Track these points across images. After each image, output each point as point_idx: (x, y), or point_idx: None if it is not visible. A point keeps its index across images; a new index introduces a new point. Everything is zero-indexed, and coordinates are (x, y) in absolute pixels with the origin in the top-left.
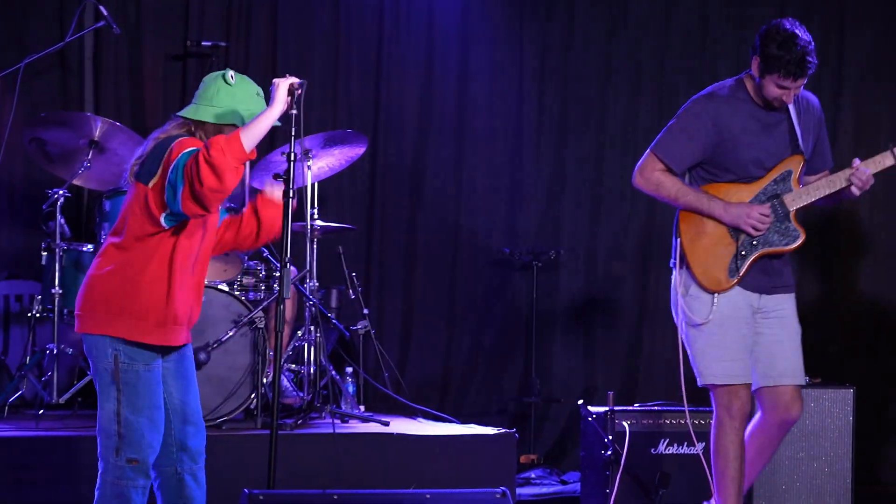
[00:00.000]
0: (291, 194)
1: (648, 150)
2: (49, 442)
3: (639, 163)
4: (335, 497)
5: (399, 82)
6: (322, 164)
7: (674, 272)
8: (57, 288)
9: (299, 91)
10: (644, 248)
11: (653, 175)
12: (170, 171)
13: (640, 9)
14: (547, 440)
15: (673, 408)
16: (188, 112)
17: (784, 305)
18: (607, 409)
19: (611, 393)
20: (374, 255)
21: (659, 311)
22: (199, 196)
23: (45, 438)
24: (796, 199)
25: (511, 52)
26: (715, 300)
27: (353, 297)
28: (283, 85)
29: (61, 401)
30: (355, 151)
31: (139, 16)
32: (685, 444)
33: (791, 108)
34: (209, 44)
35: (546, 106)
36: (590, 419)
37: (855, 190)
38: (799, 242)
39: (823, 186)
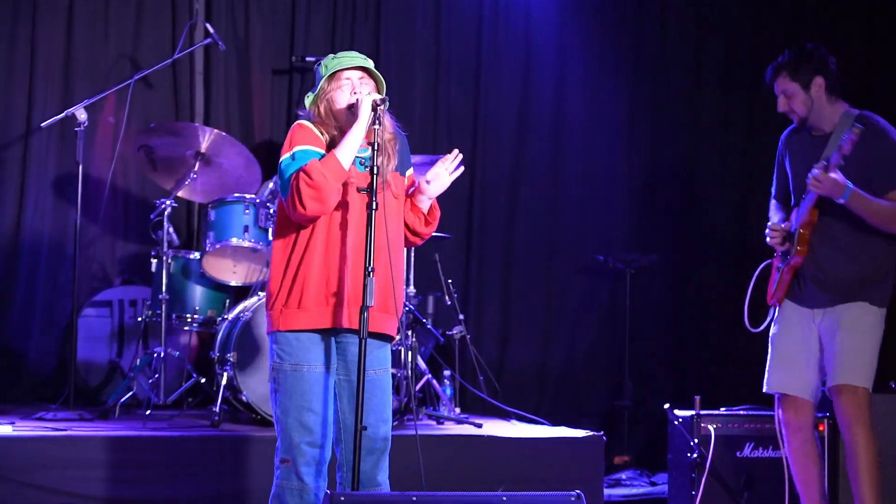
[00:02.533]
0: (375, 206)
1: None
2: (154, 442)
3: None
4: (414, 499)
5: (497, 92)
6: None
7: None
8: (164, 294)
9: (381, 107)
10: (735, 253)
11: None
12: (278, 173)
13: (731, 13)
14: (639, 442)
15: (758, 411)
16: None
17: (839, 314)
18: (693, 412)
19: (697, 397)
20: (473, 261)
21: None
22: (302, 217)
23: (150, 438)
24: (799, 214)
25: (605, 59)
26: (775, 313)
27: (448, 303)
28: (366, 101)
29: (168, 401)
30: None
31: (247, 32)
32: (770, 447)
33: (835, 136)
34: (313, 59)
35: (638, 114)
36: (676, 423)
37: None
38: (793, 257)
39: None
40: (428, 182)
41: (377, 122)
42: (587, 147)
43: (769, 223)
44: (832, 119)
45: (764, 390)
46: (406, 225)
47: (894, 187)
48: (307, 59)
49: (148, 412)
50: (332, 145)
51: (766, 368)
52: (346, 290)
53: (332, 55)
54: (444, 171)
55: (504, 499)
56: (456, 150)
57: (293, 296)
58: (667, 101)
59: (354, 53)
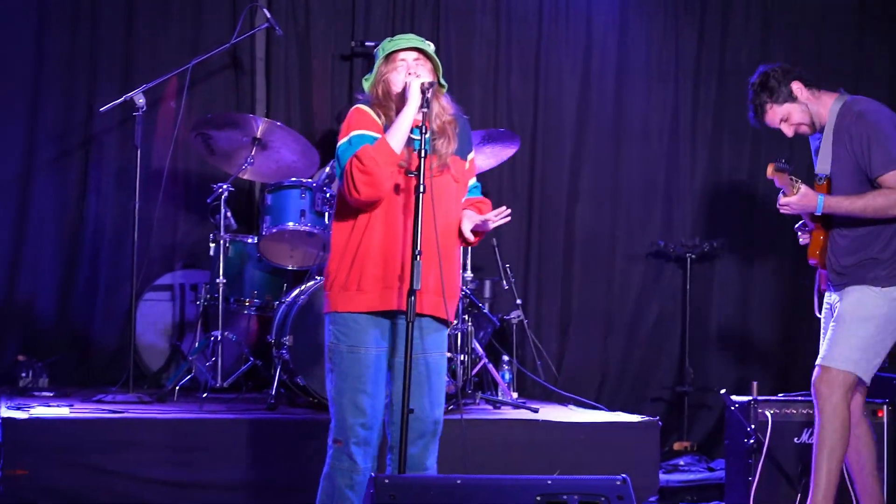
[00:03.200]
0: (423, 189)
1: None
2: (210, 424)
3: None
4: (458, 482)
5: (558, 80)
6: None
7: None
8: (221, 278)
9: (429, 91)
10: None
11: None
12: (335, 158)
13: (794, 2)
14: (701, 428)
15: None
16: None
17: (841, 297)
18: (750, 398)
19: (754, 383)
20: (534, 247)
21: (811, 302)
22: (358, 202)
23: (206, 421)
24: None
25: (667, 49)
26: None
27: (506, 287)
28: (415, 84)
29: (226, 385)
30: (508, 151)
31: (308, 17)
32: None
33: (828, 126)
34: (373, 44)
35: (701, 100)
36: (733, 408)
37: None
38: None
39: None
40: (471, 231)
41: (426, 105)
42: (648, 131)
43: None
44: (825, 111)
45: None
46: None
47: (879, 173)
48: (367, 44)
49: (205, 395)
50: (388, 126)
51: None
52: (400, 273)
53: (389, 38)
54: (489, 223)
55: (549, 482)
56: (504, 207)
57: (351, 278)
58: (730, 84)
59: (412, 36)
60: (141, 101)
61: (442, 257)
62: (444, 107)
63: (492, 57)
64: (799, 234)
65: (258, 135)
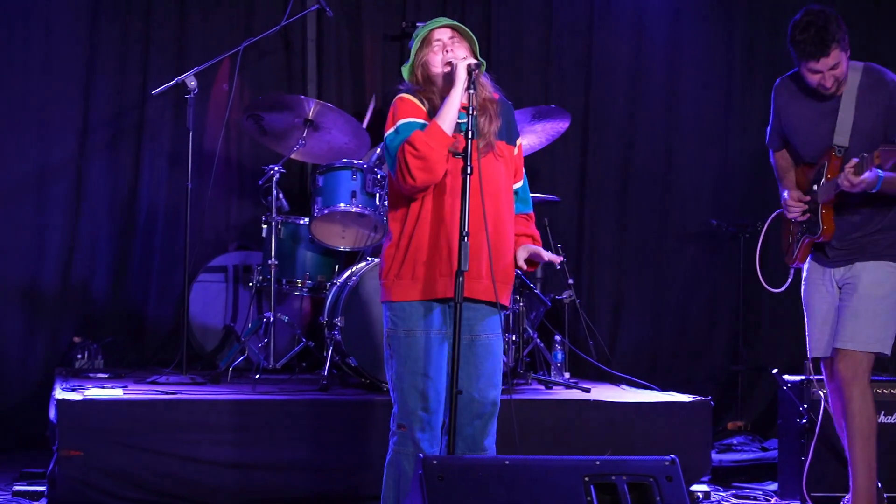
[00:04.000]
0: (469, 171)
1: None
2: (261, 405)
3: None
4: (506, 462)
5: (609, 53)
6: (525, 141)
7: None
8: (273, 259)
9: (476, 72)
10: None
11: (771, 156)
12: (384, 148)
13: None
14: (754, 408)
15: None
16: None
17: (857, 274)
18: (803, 377)
19: (807, 362)
20: (586, 227)
21: None
22: (413, 189)
23: (258, 402)
24: (822, 193)
25: (719, 24)
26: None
27: (558, 267)
28: (461, 66)
29: (278, 366)
30: (559, 127)
31: None
32: (882, 412)
33: (848, 94)
34: (424, 24)
35: (753, 76)
36: (785, 387)
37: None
38: (819, 237)
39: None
40: (525, 260)
41: (472, 86)
42: (699, 110)
43: (787, 196)
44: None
45: (809, 356)
46: None
47: None
48: (418, 24)
49: (257, 376)
50: (433, 112)
51: (807, 333)
52: (451, 260)
53: (422, 24)
54: (544, 256)
55: (597, 462)
56: (560, 258)
57: (405, 267)
58: (782, 58)
59: (443, 18)
60: (193, 83)
61: (492, 240)
62: (483, 84)
63: (543, 35)
64: (793, 209)
65: (310, 116)
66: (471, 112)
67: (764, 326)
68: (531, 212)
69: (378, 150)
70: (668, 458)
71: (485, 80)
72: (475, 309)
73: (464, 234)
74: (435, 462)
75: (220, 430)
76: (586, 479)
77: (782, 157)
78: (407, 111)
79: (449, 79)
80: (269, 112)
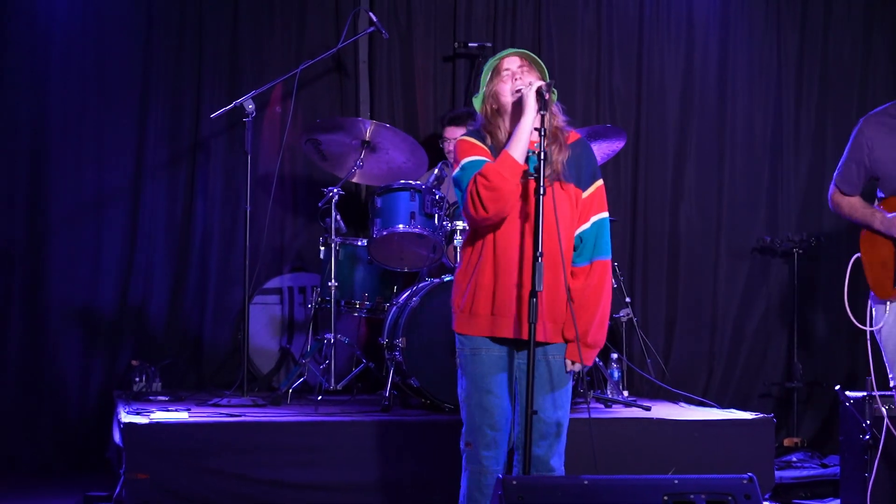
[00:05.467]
0: (542, 191)
1: (833, 183)
2: (326, 427)
3: (832, 185)
4: (585, 483)
5: (660, 72)
6: None
7: None
8: (333, 281)
9: (547, 94)
10: None
11: (832, 198)
12: (454, 186)
13: None
14: (810, 424)
15: None
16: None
17: None
18: (865, 393)
19: (869, 378)
20: (639, 245)
21: None
22: (486, 221)
23: (322, 423)
24: None
25: (770, 38)
26: (887, 308)
27: (615, 285)
28: (531, 92)
29: (339, 387)
30: (614, 146)
31: (410, 19)
32: None
33: None
34: (476, 45)
35: (804, 91)
36: (848, 404)
37: None
38: None
39: None
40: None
41: (543, 107)
42: (751, 125)
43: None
44: None
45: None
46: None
47: None
48: (469, 45)
49: (319, 398)
50: (496, 148)
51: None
52: (513, 300)
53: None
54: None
55: (675, 482)
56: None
57: (466, 299)
58: (834, 75)
59: (511, 49)
60: (251, 106)
61: (548, 281)
62: (553, 113)
63: (594, 55)
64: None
65: (367, 137)
66: (543, 134)
67: (818, 342)
68: (589, 263)
69: (436, 171)
70: (745, 476)
71: (556, 109)
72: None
73: (537, 254)
74: (514, 483)
75: (286, 451)
76: (665, 497)
77: (860, 202)
78: (469, 151)
79: (519, 106)
80: (325, 135)
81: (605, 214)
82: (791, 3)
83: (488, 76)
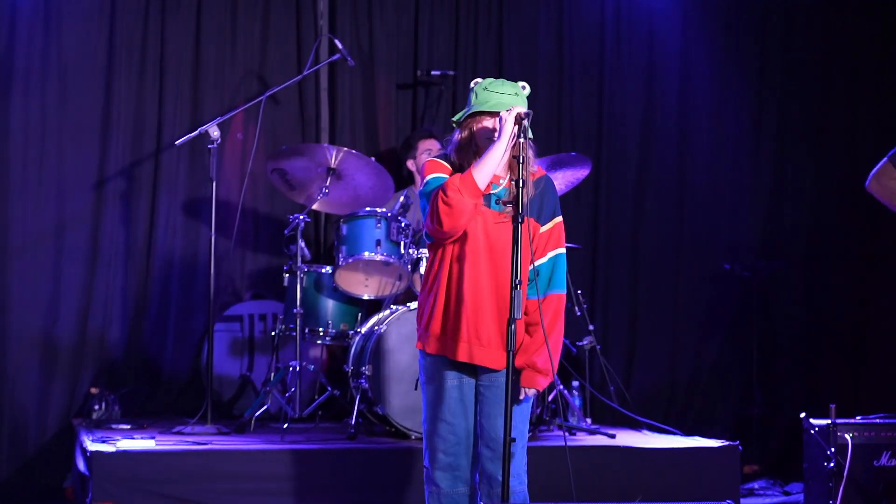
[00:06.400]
0: (521, 219)
1: (886, 158)
2: (294, 455)
3: (874, 169)
4: None
5: (621, 99)
6: None
7: None
8: (298, 308)
9: (525, 121)
10: (863, 258)
11: (890, 183)
12: (420, 194)
13: (859, 16)
14: (770, 451)
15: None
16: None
17: None
18: (830, 421)
19: (833, 405)
20: (599, 271)
21: (881, 323)
22: (439, 234)
23: (290, 451)
24: None
25: (730, 63)
26: None
27: (578, 313)
28: (510, 117)
29: (304, 415)
30: (579, 174)
31: (372, 47)
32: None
33: None
34: (438, 73)
35: (764, 118)
36: (812, 431)
37: None
38: None
39: None
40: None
41: (521, 135)
42: (712, 153)
43: None
44: None
45: None
46: None
47: None
48: (432, 73)
49: (285, 426)
50: (461, 170)
51: None
52: (478, 326)
53: (485, 84)
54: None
55: None
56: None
57: (431, 320)
58: (793, 106)
59: (506, 87)
60: (216, 133)
61: (498, 307)
62: (528, 156)
63: (555, 83)
64: None
65: (333, 164)
66: (520, 161)
67: (778, 369)
68: (544, 297)
69: (401, 198)
70: (725, 503)
71: (531, 153)
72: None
73: (516, 283)
74: None
75: (255, 479)
76: None
77: None
78: (434, 169)
79: (486, 136)
80: (290, 161)
81: (563, 251)
82: (750, 35)
83: (474, 105)
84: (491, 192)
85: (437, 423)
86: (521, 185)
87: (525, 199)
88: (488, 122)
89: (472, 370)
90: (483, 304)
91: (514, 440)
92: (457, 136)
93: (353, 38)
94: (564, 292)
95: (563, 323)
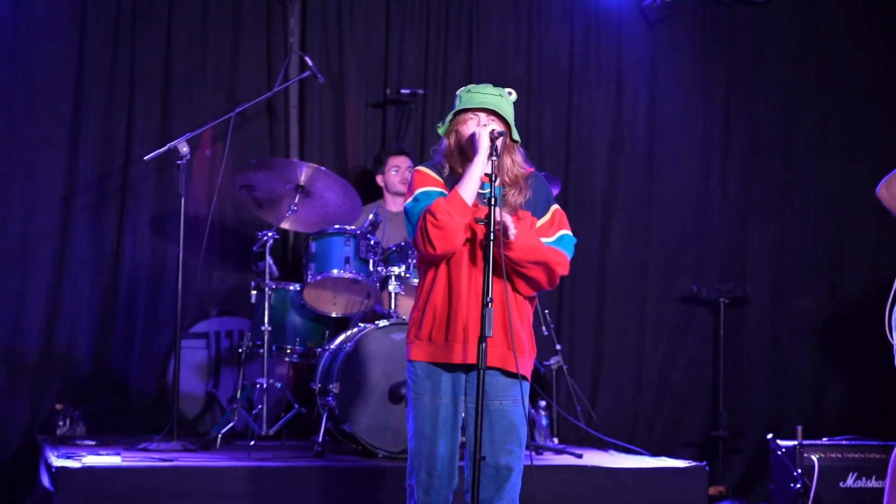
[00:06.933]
0: (492, 237)
1: None
2: (261, 472)
3: (887, 176)
4: None
5: (589, 120)
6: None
7: None
8: (266, 325)
9: (499, 139)
10: (830, 280)
11: (890, 188)
12: (405, 216)
13: (826, 36)
14: (735, 472)
15: (861, 441)
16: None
17: None
18: (796, 442)
19: (799, 427)
20: (566, 291)
21: (845, 345)
22: (433, 256)
23: (257, 468)
24: None
25: (698, 85)
26: None
27: (546, 333)
28: (485, 134)
29: (271, 432)
30: None
31: (342, 66)
32: (874, 477)
33: None
34: (408, 91)
35: (733, 140)
36: (779, 453)
37: None
38: None
39: None
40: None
41: (494, 153)
42: (680, 175)
43: None
44: None
45: None
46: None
47: None
48: (402, 91)
49: (252, 443)
50: (452, 179)
51: None
52: (466, 324)
53: (469, 87)
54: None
55: None
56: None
57: (423, 328)
58: (761, 126)
59: (490, 89)
60: (185, 149)
61: (511, 308)
62: (515, 160)
63: (523, 104)
64: None
65: (302, 181)
66: (493, 179)
67: (743, 391)
68: (556, 248)
69: (370, 216)
70: None
71: (519, 158)
72: (489, 375)
73: (487, 300)
74: None
75: (221, 496)
76: None
77: None
78: (424, 181)
79: (471, 147)
80: (259, 175)
81: (569, 233)
82: (719, 59)
83: (458, 106)
84: (481, 190)
85: (424, 442)
86: (493, 203)
87: (499, 217)
88: (472, 121)
89: (463, 379)
90: (467, 304)
91: (483, 458)
92: (444, 143)
93: (323, 55)
94: (570, 258)
95: (553, 262)
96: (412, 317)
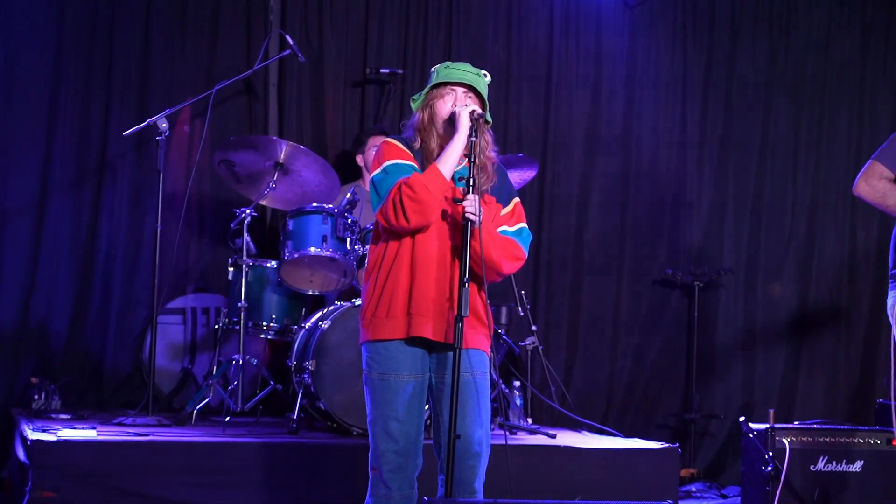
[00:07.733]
0: (473, 219)
1: (872, 159)
2: (235, 448)
3: (862, 170)
4: None
5: (568, 105)
6: None
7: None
8: (243, 302)
9: (479, 119)
10: (805, 265)
11: (879, 184)
12: (371, 187)
13: (802, 29)
14: (706, 455)
15: (832, 426)
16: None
17: None
18: (768, 426)
19: (771, 410)
20: (542, 272)
21: (816, 330)
22: (404, 229)
23: (232, 444)
24: None
25: (676, 73)
26: None
27: (521, 314)
28: (464, 112)
29: (246, 409)
30: (525, 176)
31: (321, 45)
32: (844, 461)
33: None
34: (387, 71)
35: (709, 127)
36: (751, 436)
37: None
38: None
39: None
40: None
41: (474, 134)
42: (656, 160)
43: None
44: None
45: None
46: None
47: None
48: (382, 71)
49: (227, 419)
50: (423, 154)
51: None
52: (431, 301)
53: (447, 63)
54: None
55: None
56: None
57: (381, 305)
58: (737, 114)
59: (468, 67)
60: (164, 125)
61: (451, 283)
62: (487, 141)
63: (502, 87)
64: None
65: (281, 159)
66: (472, 160)
67: (716, 375)
68: (517, 243)
69: (348, 195)
70: (666, 503)
71: (489, 139)
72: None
73: (465, 280)
74: None
75: (196, 472)
76: None
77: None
78: (393, 153)
79: (451, 125)
80: (239, 154)
81: (527, 227)
82: (697, 47)
83: (432, 86)
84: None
85: (388, 423)
86: (471, 184)
87: (478, 204)
88: (449, 97)
89: (426, 356)
90: (433, 280)
91: (458, 437)
92: (416, 116)
93: (303, 34)
94: (526, 254)
95: (511, 260)
96: (369, 294)
